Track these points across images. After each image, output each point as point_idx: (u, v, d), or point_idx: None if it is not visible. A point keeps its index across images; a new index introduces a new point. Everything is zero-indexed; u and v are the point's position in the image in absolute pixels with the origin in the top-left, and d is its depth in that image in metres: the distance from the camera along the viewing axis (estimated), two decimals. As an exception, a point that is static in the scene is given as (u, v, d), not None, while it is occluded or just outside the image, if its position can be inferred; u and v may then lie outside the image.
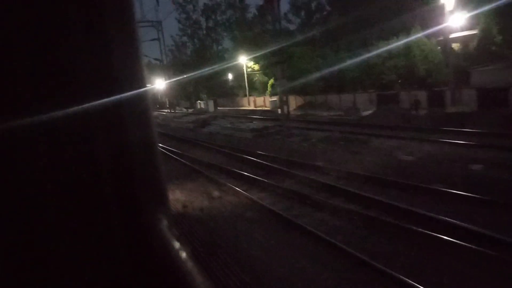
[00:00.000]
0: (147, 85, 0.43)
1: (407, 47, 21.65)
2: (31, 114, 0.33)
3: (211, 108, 32.99)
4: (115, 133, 0.39)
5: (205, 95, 48.14)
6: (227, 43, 57.95)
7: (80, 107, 0.35)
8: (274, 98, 36.15)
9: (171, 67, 71.80)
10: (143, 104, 0.43)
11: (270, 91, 37.55)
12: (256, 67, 41.47)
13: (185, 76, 50.81)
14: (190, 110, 41.33)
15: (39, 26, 0.33)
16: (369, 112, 20.73)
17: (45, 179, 0.34)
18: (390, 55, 22.92)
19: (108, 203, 0.38)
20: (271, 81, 37.58)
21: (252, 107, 40.18)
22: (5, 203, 0.33)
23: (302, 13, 46.91)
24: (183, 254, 0.42)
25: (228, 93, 47.92)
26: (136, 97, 0.41)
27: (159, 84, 66.96)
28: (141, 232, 0.40)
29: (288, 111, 21.10)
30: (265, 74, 40.84)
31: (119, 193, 0.39)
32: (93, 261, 0.37)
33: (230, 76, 47.56)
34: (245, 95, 43.62)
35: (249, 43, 41.15)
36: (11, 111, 0.32)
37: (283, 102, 18.20)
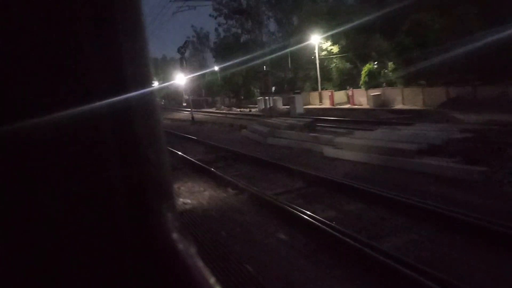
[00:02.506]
0: (153, 84, 0.43)
1: None
2: (38, 113, 0.33)
3: (299, 107, 21.20)
4: (123, 130, 0.39)
5: (258, 90, 36.74)
6: (272, 26, 47.05)
7: (87, 106, 0.35)
8: (377, 92, 24.80)
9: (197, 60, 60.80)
10: (150, 101, 0.43)
11: (364, 82, 26.19)
12: (335, 49, 30.04)
13: (209, 69, 39.89)
14: (253, 110, 29.40)
15: (46, 22, 0.33)
16: None
17: (52, 177, 0.35)
18: None
19: (117, 199, 0.38)
20: (368, 66, 26.19)
21: (327, 105, 28.80)
22: (10, 205, 0.33)
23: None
24: (190, 250, 0.43)
25: (282, 87, 36.66)
26: (144, 95, 0.41)
27: (181, 79, 55.82)
28: (149, 228, 0.41)
29: None
30: (347, 59, 29.46)
31: (127, 188, 0.39)
32: (101, 257, 0.37)
33: (263, 66, 36.62)
34: (315, 89, 32.31)
35: (322, 19, 29.81)
36: (16, 111, 0.32)
37: None
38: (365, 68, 26.34)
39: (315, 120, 12.67)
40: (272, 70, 37.28)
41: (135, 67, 0.40)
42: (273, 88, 37.90)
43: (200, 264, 0.42)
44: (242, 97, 37.76)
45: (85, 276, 0.36)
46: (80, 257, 0.36)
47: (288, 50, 29.41)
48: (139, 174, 0.40)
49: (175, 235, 0.42)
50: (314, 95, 31.84)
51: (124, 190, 0.39)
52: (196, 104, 42.18)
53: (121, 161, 0.39)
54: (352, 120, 16.41)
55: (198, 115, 26.36)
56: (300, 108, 21.35)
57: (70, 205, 0.35)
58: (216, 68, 42.97)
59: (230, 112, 30.40)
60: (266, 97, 30.67)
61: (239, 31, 46.06)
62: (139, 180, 0.40)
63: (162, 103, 67.52)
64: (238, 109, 31.98)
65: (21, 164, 0.33)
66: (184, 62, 21.06)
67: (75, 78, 0.35)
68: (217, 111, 33.40)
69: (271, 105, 26.03)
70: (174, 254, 0.42)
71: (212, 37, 53.69)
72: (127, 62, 0.39)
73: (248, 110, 30.17)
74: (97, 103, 0.36)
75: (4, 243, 0.34)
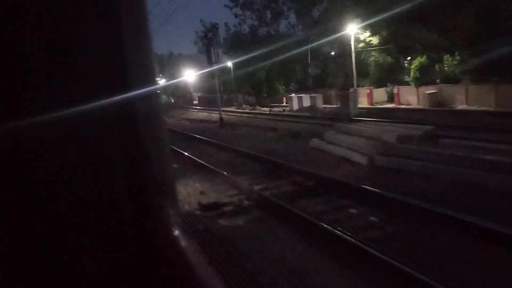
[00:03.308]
0: (157, 82, 0.44)
1: None
2: (40, 111, 0.33)
3: (354, 107, 17.07)
4: (125, 128, 0.39)
5: (283, 86, 33.06)
6: (292, 18, 43.53)
7: (90, 104, 0.35)
8: (432, 90, 21.25)
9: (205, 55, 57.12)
10: (153, 99, 0.44)
11: (415, 78, 22.65)
12: (375, 40, 26.47)
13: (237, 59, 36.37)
14: (284, 110, 25.33)
15: (50, 20, 0.33)
16: None
17: (56, 175, 0.35)
18: None
19: (119, 196, 0.39)
20: (419, 60, 22.63)
21: (364, 104, 25.25)
22: (13, 203, 0.33)
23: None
24: (194, 247, 0.43)
25: (306, 84, 33.14)
26: (147, 94, 0.41)
27: (190, 75, 51.94)
28: (151, 225, 0.41)
29: None
30: (388, 51, 25.91)
31: (130, 186, 0.39)
32: (104, 254, 0.38)
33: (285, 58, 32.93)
34: (349, 86, 28.72)
35: (358, 5, 26.24)
36: (19, 109, 0.33)
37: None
38: (415, 62, 22.80)
39: (435, 127, 8.94)
40: (292, 65, 33.77)
41: (138, 66, 0.40)
42: (291, 85, 34.46)
43: (204, 261, 0.42)
44: (266, 95, 34.11)
45: (89, 272, 0.36)
46: (84, 253, 0.36)
47: (323, 41, 25.81)
48: (141, 172, 0.40)
49: (177, 232, 0.42)
50: (348, 92, 28.23)
51: (127, 188, 0.39)
52: (210, 102, 38.55)
53: (124, 159, 0.38)
54: (451, 125, 12.67)
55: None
56: (355, 108, 17.52)
57: (73, 202, 0.35)
58: (229, 63, 39.40)
59: (256, 111, 26.82)
60: (294, 95, 27.09)
61: (257, 23, 42.50)
62: (141, 178, 0.40)
63: (172, 101, 63.89)
64: (267, 109, 28.15)
65: (24, 162, 0.33)
66: (212, 50, 17.28)
67: (77, 76, 0.35)
68: (239, 110, 29.79)
69: (304, 104, 22.26)
70: (177, 251, 0.41)
71: (222, 32, 50.09)
72: (130, 60, 0.38)
73: (282, 109, 26.35)
74: (100, 101, 0.36)
75: (7, 241, 0.33)
